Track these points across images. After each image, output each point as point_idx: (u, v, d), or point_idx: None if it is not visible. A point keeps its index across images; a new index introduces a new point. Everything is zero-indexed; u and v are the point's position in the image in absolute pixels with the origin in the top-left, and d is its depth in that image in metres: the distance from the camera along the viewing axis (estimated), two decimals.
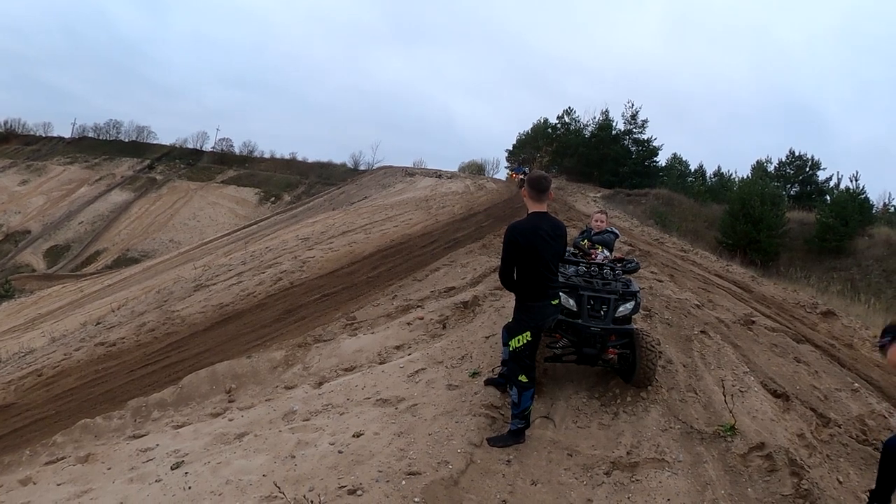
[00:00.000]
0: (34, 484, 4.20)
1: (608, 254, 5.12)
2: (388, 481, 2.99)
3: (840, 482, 3.83)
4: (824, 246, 21.37)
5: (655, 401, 4.44)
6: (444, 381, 4.60)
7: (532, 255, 3.68)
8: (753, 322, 6.59)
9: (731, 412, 4.20)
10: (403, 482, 2.98)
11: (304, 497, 2.84)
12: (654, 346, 4.39)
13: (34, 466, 4.71)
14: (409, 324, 6.90)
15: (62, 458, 4.68)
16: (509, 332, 3.93)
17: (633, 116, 34.55)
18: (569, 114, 38.62)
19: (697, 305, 7.13)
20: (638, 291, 4.49)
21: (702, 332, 5.98)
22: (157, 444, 4.31)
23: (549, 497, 3.30)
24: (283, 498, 2.83)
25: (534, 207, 3.82)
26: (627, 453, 3.79)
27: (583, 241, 5.41)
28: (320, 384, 5.18)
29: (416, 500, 2.83)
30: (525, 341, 3.75)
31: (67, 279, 28.47)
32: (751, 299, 8.25)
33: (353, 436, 3.64)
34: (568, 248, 4.85)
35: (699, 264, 11.17)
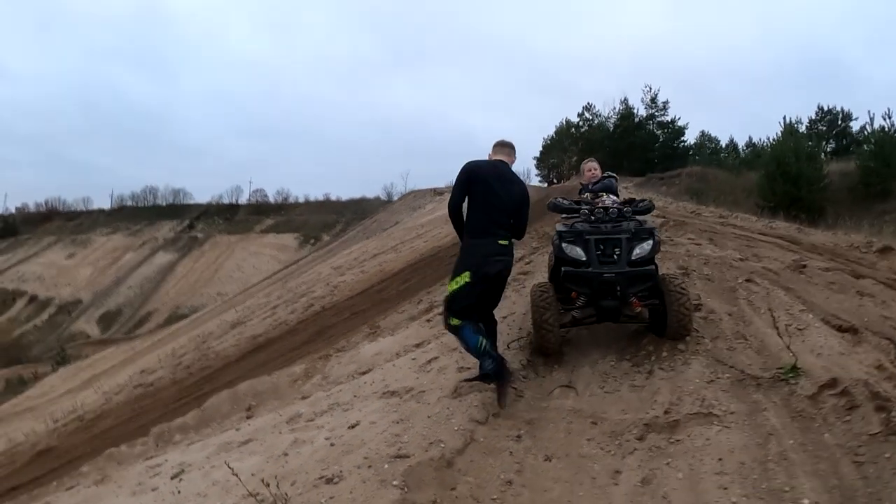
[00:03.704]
0: None
1: (615, 198, 4.62)
2: (370, 467, 2.64)
3: None
4: (869, 191, 19.88)
5: (697, 352, 3.89)
6: (456, 366, 4.21)
7: (486, 188, 3.56)
8: (805, 266, 5.89)
9: (791, 352, 3.60)
10: (386, 466, 2.62)
11: (283, 491, 2.52)
12: (683, 290, 3.86)
13: (57, 494, 4.67)
14: (428, 321, 6.57)
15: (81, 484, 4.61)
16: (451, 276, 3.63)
17: (653, 100, 33.46)
18: (589, 109, 37.84)
19: (741, 259, 6.47)
20: (655, 229, 3.99)
21: (747, 280, 5.36)
22: (166, 460, 4.15)
23: (567, 473, 2.81)
24: (262, 494, 2.52)
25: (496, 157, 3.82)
26: (665, 412, 3.24)
27: (583, 194, 4.95)
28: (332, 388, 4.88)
29: (394, 483, 2.45)
30: (463, 282, 3.49)
31: (121, 341, 29.55)
32: (800, 250, 7.47)
33: (349, 427, 3.30)
34: (569, 200, 4.44)
35: (740, 227, 10.33)
